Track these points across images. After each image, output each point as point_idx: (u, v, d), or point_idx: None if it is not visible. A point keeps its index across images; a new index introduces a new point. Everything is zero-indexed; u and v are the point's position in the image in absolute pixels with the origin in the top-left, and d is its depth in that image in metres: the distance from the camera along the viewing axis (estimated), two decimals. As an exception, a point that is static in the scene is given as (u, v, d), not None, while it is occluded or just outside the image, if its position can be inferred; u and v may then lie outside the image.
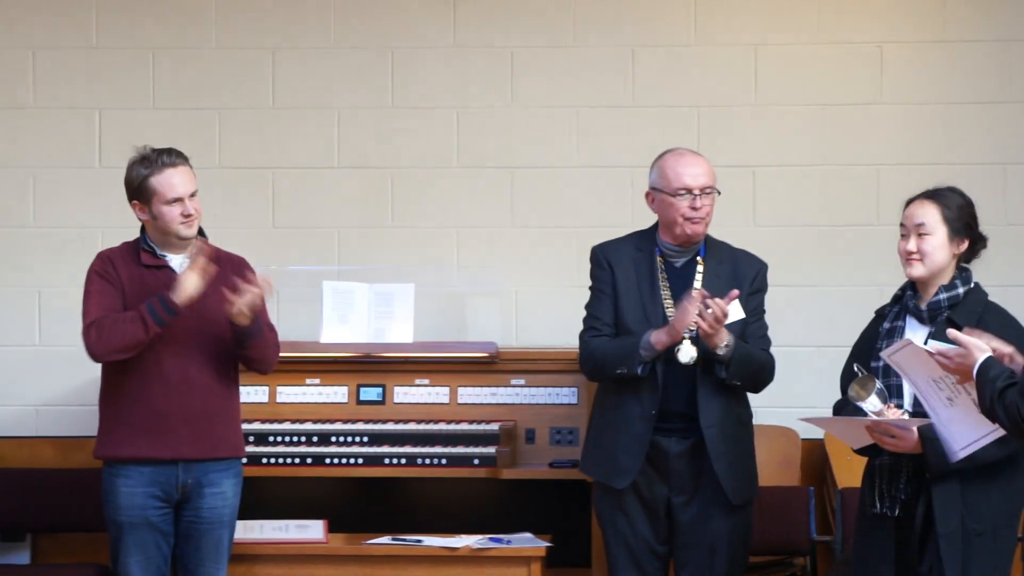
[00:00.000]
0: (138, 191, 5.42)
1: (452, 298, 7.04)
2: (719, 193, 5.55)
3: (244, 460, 5.69)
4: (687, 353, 5.44)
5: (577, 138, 7.11)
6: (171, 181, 5.40)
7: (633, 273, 5.61)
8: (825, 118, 7.07)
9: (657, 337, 5.40)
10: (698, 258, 5.61)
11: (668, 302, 5.53)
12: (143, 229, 5.53)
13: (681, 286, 5.53)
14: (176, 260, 5.48)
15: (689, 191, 5.49)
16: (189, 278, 5.31)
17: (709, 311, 5.28)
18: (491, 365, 6.51)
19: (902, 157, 6.99)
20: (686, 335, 5.43)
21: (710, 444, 5.43)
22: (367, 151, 7.13)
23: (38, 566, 6.75)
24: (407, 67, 7.14)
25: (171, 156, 5.43)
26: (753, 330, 5.61)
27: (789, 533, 6.47)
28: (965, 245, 5.01)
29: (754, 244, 6.54)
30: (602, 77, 7.12)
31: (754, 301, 5.62)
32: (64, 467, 6.81)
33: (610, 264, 5.65)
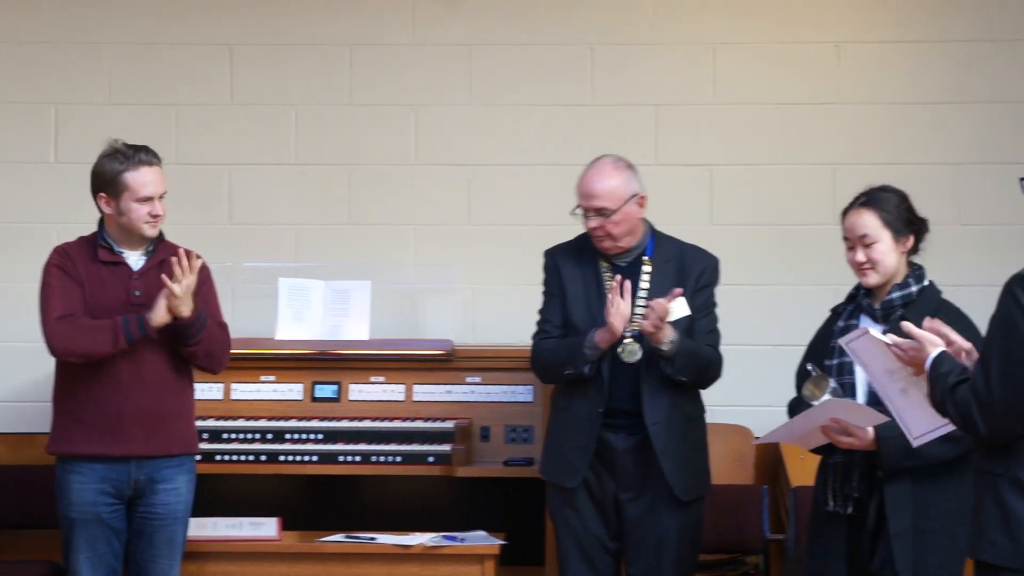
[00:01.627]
0: (109, 184, 5.39)
1: (408, 296, 7.04)
2: (641, 197, 5.53)
3: (198, 457, 5.68)
4: (630, 351, 5.46)
5: (535, 136, 7.12)
6: (145, 179, 5.39)
7: (580, 275, 5.62)
8: (782, 117, 7.10)
9: (600, 336, 5.42)
10: (644, 257, 5.61)
11: (626, 299, 5.51)
12: (101, 224, 5.50)
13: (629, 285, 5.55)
14: (133, 257, 5.47)
15: (580, 207, 5.53)
16: (163, 306, 5.33)
17: (651, 311, 5.31)
18: (447, 363, 6.51)
19: (858, 157, 7.00)
20: (628, 333, 5.45)
21: (655, 441, 5.44)
22: (324, 148, 7.13)
23: (-9, 563, 6.72)
24: (365, 64, 7.13)
25: (148, 154, 5.43)
26: (701, 326, 5.60)
27: (742, 531, 6.48)
28: (911, 241, 5.02)
29: (711, 242, 6.55)
30: (560, 75, 7.13)
31: (701, 297, 5.62)
32: (17, 463, 6.77)
33: (557, 267, 5.69)
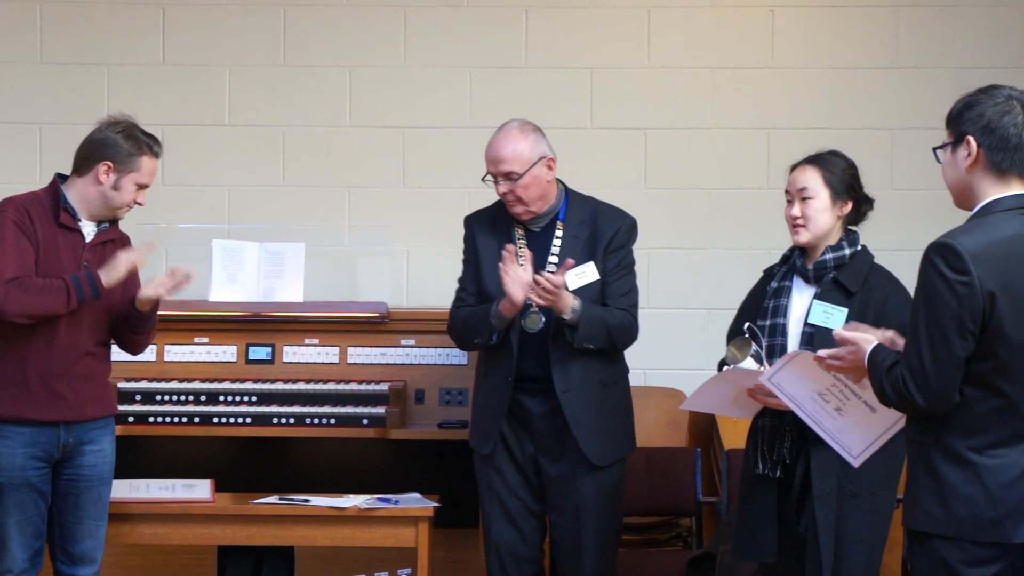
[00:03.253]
0: (123, 159, 5.39)
1: (343, 258, 7.03)
2: (550, 159, 5.51)
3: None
4: (532, 321, 5.48)
5: (469, 99, 7.12)
6: (152, 169, 5.46)
7: (495, 241, 5.61)
8: (717, 81, 7.12)
9: (503, 305, 5.42)
10: (557, 221, 5.61)
11: (527, 267, 5.48)
12: (60, 187, 5.46)
13: (542, 251, 5.56)
14: (87, 227, 5.44)
15: (493, 175, 5.53)
16: (124, 265, 5.31)
17: (538, 287, 5.31)
18: (381, 325, 6.50)
19: (792, 121, 7.05)
20: (533, 303, 5.45)
21: (566, 408, 5.44)
22: (258, 109, 7.11)
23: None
24: (299, 25, 7.11)
25: (160, 147, 5.50)
26: (614, 289, 5.57)
27: (675, 494, 6.49)
28: (849, 207, 5.04)
29: (645, 206, 6.59)
30: (495, 38, 7.13)
31: (614, 259, 5.59)
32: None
33: (473, 235, 5.71)
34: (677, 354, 6.71)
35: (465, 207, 6.87)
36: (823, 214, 5.02)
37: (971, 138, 4.00)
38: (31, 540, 5.40)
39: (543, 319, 5.47)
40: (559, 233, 5.59)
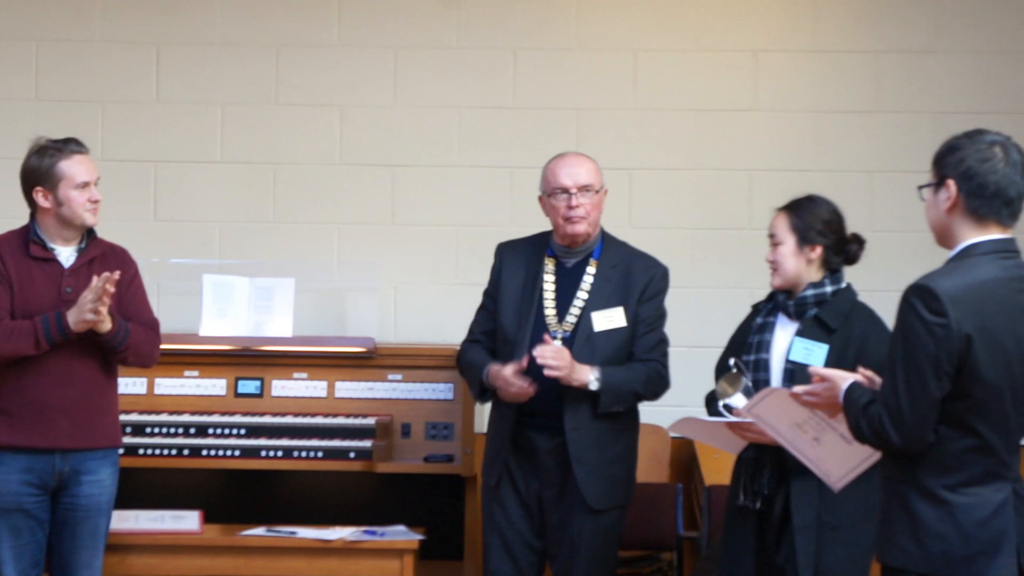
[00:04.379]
0: (44, 177, 5.40)
1: (331, 293, 7.03)
2: (606, 191, 5.59)
3: (121, 451, 5.67)
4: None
5: (458, 138, 7.14)
6: (80, 167, 5.42)
7: (522, 272, 5.63)
8: (701, 123, 7.14)
9: (495, 372, 5.45)
10: (591, 259, 5.63)
11: (549, 302, 5.54)
12: (33, 219, 5.49)
13: (571, 286, 5.56)
14: (64, 253, 5.46)
15: (565, 191, 5.51)
16: (88, 305, 5.29)
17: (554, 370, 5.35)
18: (369, 360, 6.50)
19: (775, 163, 7.07)
20: (558, 335, 5.47)
21: (571, 447, 5.43)
22: (250, 146, 7.12)
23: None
24: (292, 65, 7.13)
25: (78, 144, 5.46)
26: (645, 341, 5.58)
27: (657, 528, 6.51)
28: (818, 251, 5.06)
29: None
30: (484, 79, 7.15)
31: (648, 309, 5.60)
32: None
33: (502, 262, 5.71)
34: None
35: (452, 244, 6.97)
36: (789, 259, 5.06)
37: (951, 182, 4.03)
38: (27, 568, 5.41)
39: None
40: (591, 271, 5.59)
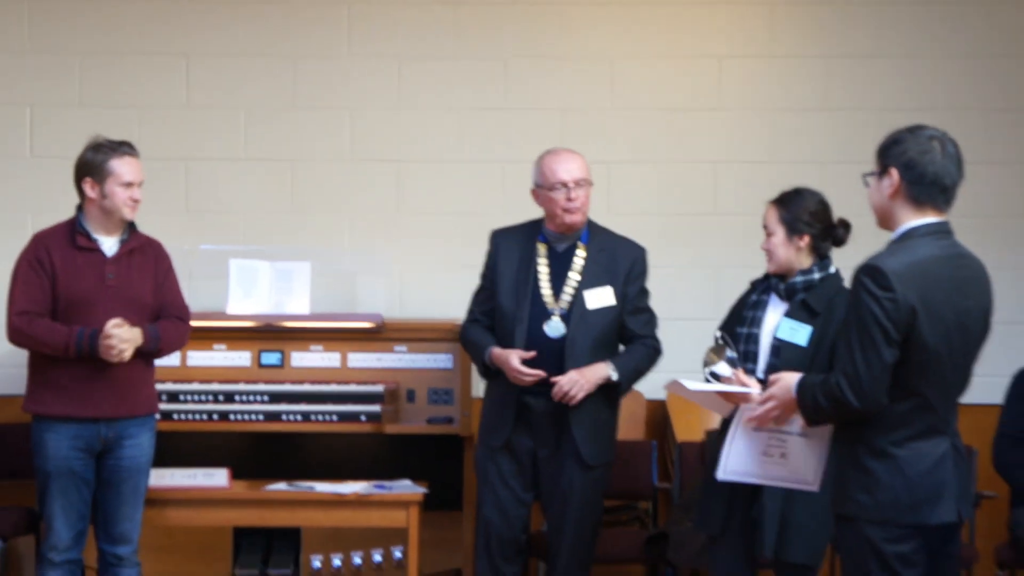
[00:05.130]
0: (96, 170, 5.40)
1: (344, 275, 6.98)
2: (591, 184, 5.57)
3: (158, 416, 5.69)
4: (555, 328, 5.46)
5: (456, 137, 7.09)
6: (128, 167, 5.45)
7: (516, 256, 5.61)
8: (671, 121, 7.10)
9: (497, 355, 5.48)
10: (579, 243, 5.59)
11: (545, 283, 5.53)
12: (80, 212, 5.45)
13: (561, 269, 5.56)
14: (107, 243, 5.45)
15: (564, 185, 5.49)
16: (118, 351, 5.28)
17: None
18: (377, 334, 6.49)
19: (736, 156, 7.04)
20: (556, 312, 5.44)
21: (572, 413, 5.44)
22: (270, 145, 7.07)
23: (-27, 510, 6.63)
24: (307, 73, 7.09)
25: (130, 147, 5.49)
26: (638, 319, 5.60)
27: (635, 481, 6.47)
28: (806, 240, 4.99)
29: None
30: (479, 84, 7.10)
31: (634, 288, 5.61)
32: (-3, 422, 6.70)
33: (497, 247, 5.69)
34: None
35: (451, 231, 6.94)
36: (780, 248, 5.01)
37: (894, 170, 4.04)
38: (75, 522, 5.43)
39: (564, 327, 5.46)
40: (581, 254, 5.58)
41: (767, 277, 5.09)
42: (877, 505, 3.97)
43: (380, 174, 7.07)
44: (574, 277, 5.54)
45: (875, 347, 3.91)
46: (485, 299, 5.69)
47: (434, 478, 6.09)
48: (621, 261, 5.59)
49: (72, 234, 5.43)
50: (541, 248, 5.61)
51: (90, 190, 5.42)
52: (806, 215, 5.02)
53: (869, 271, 3.95)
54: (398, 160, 7.07)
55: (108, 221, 5.45)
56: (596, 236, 5.63)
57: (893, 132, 4.11)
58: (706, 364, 4.86)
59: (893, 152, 4.06)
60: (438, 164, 7.06)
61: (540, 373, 5.40)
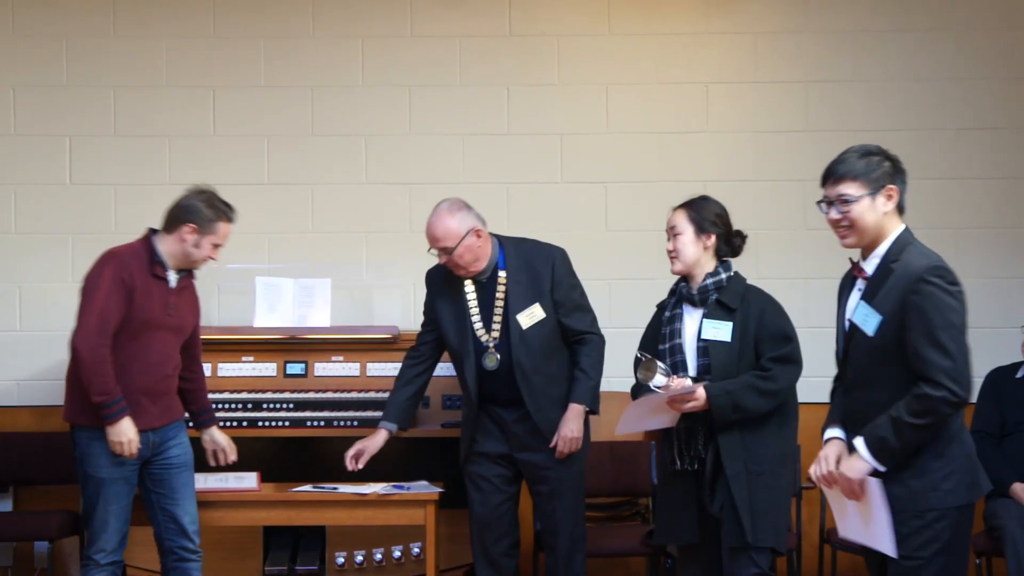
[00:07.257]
0: (205, 223, 5.43)
1: (362, 290, 7.01)
2: (475, 230, 5.51)
3: (187, 416, 5.75)
4: (491, 360, 5.54)
5: (462, 160, 7.11)
6: (227, 233, 5.51)
7: (448, 294, 5.63)
8: (662, 144, 7.12)
9: (359, 446, 5.75)
10: (498, 268, 5.59)
11: (475, 317, 5.56)
12: (152, 241, 5.46)
13: (488, 299, 5.57)
14: (172, 277, 5.47)
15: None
16: (124, 446, 5.33)
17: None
18: (394, 344, 6.50)
19: (723, 175, 7.04)
20: (490, 344, 5.50)
21: (541, 425, 5.51)
22: (291, 170, 7.09)
23: (19, 513, 6.66)
24: (324, 102, 7.10)
25: (234, 214, 5.52)
26: (574, 320, 5.57)
27: (634, 479, 6.50)
28: (712, 240, 5.05)
29: (606, 245, 6.63)
30: (483, 110, 7.12)
31: (561, 290, 5.58)
32: (40, 431, 6.71)
33: (429, 288, 5.75)
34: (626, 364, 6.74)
35: (460, 248, 6.93)
36: (688, 246, 5.05)
37: (894, 188, 4.10)
38: (122, 525, 5.45)
39: (499, 357, 5.50)
40: (503, 279, 5.56)
41: (672, 292, 5.11)
42: (963, 488, 4.00)
43: (393, 195, 7.10)
44: (499, 305, 5.54)
45: (962, 338, 3.94)
46: (428, 331, 5.76)
47: (449, 478, 6.09)
48: (541, 271, 5.54)
49: (151, 262, 5.43)
50: (468, 283, 5.60)
51: (187, 234, 5.42)
52: (712, 216, 5.07)
53: (938, 271, 3.97)
54: (410, 183, 7.10)
55: (181, 261, 5.48)
56: (511, 256, 5.59)
57: (873, 156, 4.15)
58: (643, 382, 4.88)
59: (884, 172, 4.11)
60: (446, 186, 7.04)
61: (358, 465, 5.66)
